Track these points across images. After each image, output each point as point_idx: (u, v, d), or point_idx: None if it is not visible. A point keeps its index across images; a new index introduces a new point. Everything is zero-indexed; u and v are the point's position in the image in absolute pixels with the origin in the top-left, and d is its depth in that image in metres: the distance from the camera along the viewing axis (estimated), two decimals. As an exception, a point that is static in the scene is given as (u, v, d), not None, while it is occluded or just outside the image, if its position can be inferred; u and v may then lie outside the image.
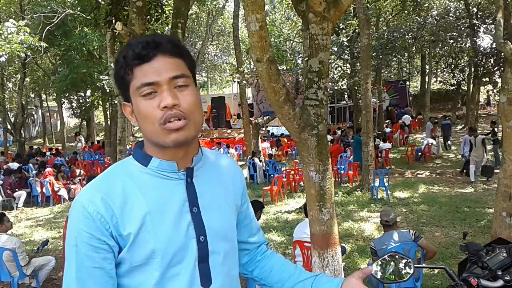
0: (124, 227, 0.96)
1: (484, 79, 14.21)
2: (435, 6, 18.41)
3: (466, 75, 20.22)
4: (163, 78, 0.96)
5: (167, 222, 0.99)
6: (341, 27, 13.70)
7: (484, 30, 13.78)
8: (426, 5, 16.54)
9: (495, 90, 18.59)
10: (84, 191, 1.00)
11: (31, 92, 27.65)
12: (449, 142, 15.61)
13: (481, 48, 14.00)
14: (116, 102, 10.85)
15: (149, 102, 0.96)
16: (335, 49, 14.38)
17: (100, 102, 20.50)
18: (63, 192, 10.60)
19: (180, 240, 1.00)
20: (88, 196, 0.97)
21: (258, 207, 4.43)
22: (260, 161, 12.21)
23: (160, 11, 7.57)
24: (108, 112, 20.61)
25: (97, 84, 16.64)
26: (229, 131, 24.26)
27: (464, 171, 11.08)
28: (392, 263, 1.84)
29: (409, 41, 15.95)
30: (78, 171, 12.97)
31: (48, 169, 10.76)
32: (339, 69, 15.81)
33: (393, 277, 1.85)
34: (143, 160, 1.04)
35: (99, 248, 0.94)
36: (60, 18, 13.65)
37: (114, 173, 1.04)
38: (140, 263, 0.97)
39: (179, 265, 1.00)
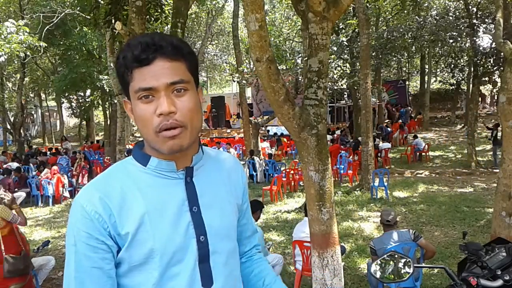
0: (122, 227, 0.95)
1: (483, 79, 14.21)
2: (434, 6, 18.41)
3: (466, 74, 20.22)
4: (161, 83, 0.94)
5: (166, 222, 0.98)
6: (340, 26, 13.68)
7: (484, 29, 13.79)
8: (426, 4, 16.53)
9: (494, 90, 18.61)
10: (83, 191, 1.00)
11: (30, 92, 27.66)
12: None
13: (481, 48, 14.01)
14: (115, 101, 10.84)
15: (146, 106, 0.95)
16: (335, 48, 14.37)
17: (100, 101, 20.49)
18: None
19: (179, 240, 0.99)
20: (86, 196, 0.97)
21: (258, 207, 4.43)
22: (261, 159, 12.22)
23: (159, 10, 7.56)
24: (107, 112, 20.61)
25: (97, 83, 16.63)
26: (228, 130, 24.24)
27: None
28: (392, 262, 1.85)
29: (409, 40, 15.95)
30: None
31: (54, 167, 10.74)
32: (339, 68, 15.78)
33: (393, 276, 1.86)
34: (142, 160, 1.03)
35: (97, 248, 0.94)
36: (59, 17, 13.65)
37: (113, 172, 1.03)
38: (139, 262, 0.97)
39: (178, 265, 0.99)
